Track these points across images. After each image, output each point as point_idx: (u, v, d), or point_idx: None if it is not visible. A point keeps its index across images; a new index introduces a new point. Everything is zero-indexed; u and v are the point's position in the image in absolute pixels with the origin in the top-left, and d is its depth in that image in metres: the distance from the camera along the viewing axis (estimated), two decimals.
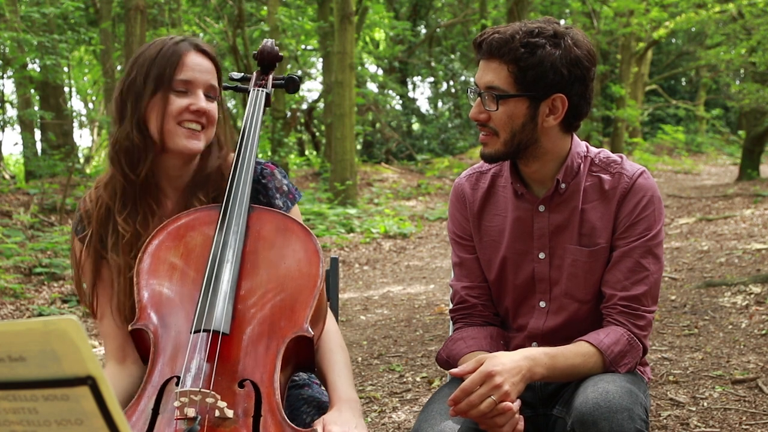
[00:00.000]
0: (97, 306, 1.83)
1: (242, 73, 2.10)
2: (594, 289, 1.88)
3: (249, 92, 2.02)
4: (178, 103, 1.77)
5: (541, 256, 1.91)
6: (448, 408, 1.76)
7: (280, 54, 2.09)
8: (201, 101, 1.79)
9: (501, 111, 1.79)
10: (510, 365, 1.65)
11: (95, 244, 1.82)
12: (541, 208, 1.90)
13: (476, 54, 1.84)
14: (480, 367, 1.64)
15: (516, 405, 1.63)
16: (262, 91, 2.01)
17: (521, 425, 1.64)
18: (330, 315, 1.86)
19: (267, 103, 2.01)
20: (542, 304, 1.93)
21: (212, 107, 1.82)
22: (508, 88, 1.77)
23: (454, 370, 1.73)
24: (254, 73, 2.08)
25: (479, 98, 1.82)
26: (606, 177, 1.88)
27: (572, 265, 1.88)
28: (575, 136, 1.92)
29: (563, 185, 1.88)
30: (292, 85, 2.10)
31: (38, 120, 12.81)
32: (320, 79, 17.93)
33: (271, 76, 2.07)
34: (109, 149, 1.83)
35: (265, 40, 2.12)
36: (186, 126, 1.78)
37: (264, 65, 2.08)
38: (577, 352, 1.76)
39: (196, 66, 1.80)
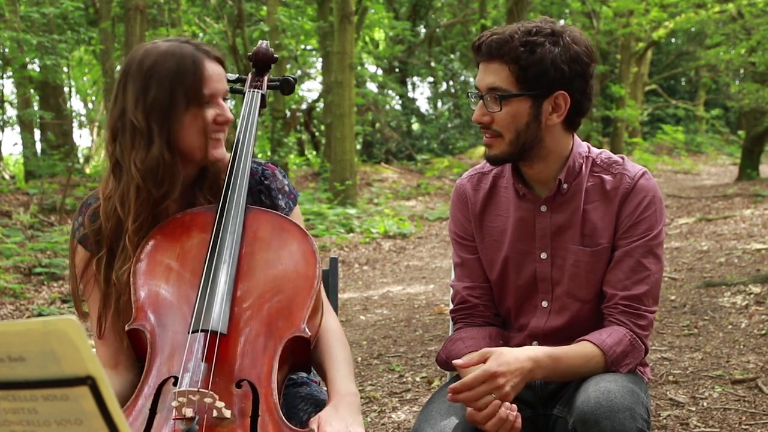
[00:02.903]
0: (105, 329, 1.78)
1: (237, 75, 2.09)
2: (596, 289, 1.89)
3: (244, 94, 2.01)
4: (208, 116, 1.75)
5: (543, 256, 1.91)
6: (449, 407, 1.77)
7: (275, 56, 2.09)
8: (227, 111, 1.78)
9: (504, 111, 1.79)
10: (514, 366, 1.66)
11: (105, 266, 1.77)
12: (543, 209, 1.90)
13: (475, 57, 1.85)
14: (485, 365, 1.65)
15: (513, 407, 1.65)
16: (258, 92, 2.00)
17: (519, 422, 1.65)
18: (331, 311, 1.86)
19: (263, 104, 2.00)
20: (544, 303, 1.93)
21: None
22: (510, 87, 1.77)
23: (457, 361, 1.74)
24: (249, 75, 2.07)
25: (481, 101, 1.81)
26: (608, 177, 1.88)
27: (574, 265, 1.88)
28: (576, 136, 1.92)
29: (565, 185, 1.88)
30: (287, 86, 2.09)
31: (38, 120, 12.80)
32: (320, 79, 17.93)
33: (266, 78, 2.06)
34: (133, 168, 1.73)
35: (260, 41, 2.12)
36: (213, 137, 1.77)
37: (259, 67, 2.08)
38: (580, 353, 1.77)
39: (216, 76, 1.76)
